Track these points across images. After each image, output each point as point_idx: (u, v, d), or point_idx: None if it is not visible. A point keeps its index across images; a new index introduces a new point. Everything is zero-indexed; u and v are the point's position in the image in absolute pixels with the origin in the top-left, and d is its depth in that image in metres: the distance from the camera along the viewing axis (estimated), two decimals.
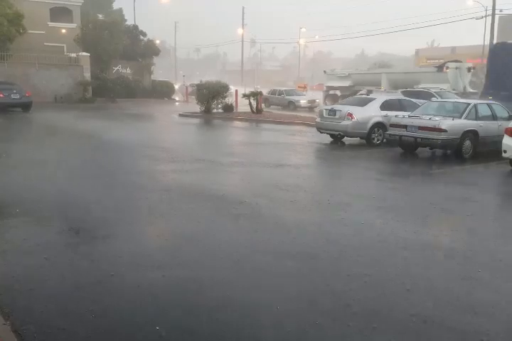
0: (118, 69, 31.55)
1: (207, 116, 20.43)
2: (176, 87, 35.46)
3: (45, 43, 29.77)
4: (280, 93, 28.40)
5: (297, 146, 12.72)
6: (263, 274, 3.98)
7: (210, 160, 9.69)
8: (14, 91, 20.37)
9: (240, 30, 62.28)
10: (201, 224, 5.29)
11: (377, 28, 49.35)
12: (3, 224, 5.19)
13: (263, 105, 23.16)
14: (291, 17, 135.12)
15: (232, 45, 73.96)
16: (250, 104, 20.93)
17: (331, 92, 28.81)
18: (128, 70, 32.11)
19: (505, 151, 9.03)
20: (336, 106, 13.62)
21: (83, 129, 15.25)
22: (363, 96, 15.80)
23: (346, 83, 28.27)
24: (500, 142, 9.14)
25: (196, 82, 31.10)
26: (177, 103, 30.55)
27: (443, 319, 3.25)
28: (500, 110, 11.13)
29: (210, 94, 20.75)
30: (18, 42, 26.59)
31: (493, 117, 10.78)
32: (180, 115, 21.13)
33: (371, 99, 13.31)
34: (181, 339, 2.98)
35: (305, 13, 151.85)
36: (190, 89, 31.26)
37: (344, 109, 12.80)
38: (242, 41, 62.36)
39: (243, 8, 60.87)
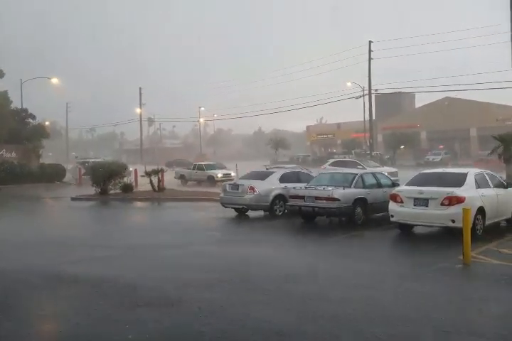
0: (2, 154, 29.18)
1: (103, 198, 19.26)
2: (68, 168, 33.40)
3: None
4: (200, 168, 26.83)
5: (201, 223, 12.35)
6: None
7: (105, 246, 8.85)
8: None
9: (137, 110, 62.90)
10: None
11: (272, 108, 54.28)
12: None
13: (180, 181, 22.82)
14: (191, 95, 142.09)
15: (130, 124, 73.76)
16: (151, 182, 20.37)
17: None
18: (13, 154, 29.83)
19: (392, 216, 9.67)
20: (239, 181, 13.91)
21: None
22: (263, 170, 16.39)
23: None
24: (387, 207, 9.81)
25: (91, 162, 29.77)
26: (70, 186, 28.54)
27: None
28: (384, 178, 12.28)
29: (106, 174, 19.81)
30: None
31: (378, 185, 11.74)
32: (73, 199, 19.53)
33: (271, 173, 13.87)
34: None
35: (204, 92, 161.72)
36: (83, 171, 29.61)
37: (246, 183, 13.07)
38: (141, 121, 62.78)
39: (140, 88, 62.25)
